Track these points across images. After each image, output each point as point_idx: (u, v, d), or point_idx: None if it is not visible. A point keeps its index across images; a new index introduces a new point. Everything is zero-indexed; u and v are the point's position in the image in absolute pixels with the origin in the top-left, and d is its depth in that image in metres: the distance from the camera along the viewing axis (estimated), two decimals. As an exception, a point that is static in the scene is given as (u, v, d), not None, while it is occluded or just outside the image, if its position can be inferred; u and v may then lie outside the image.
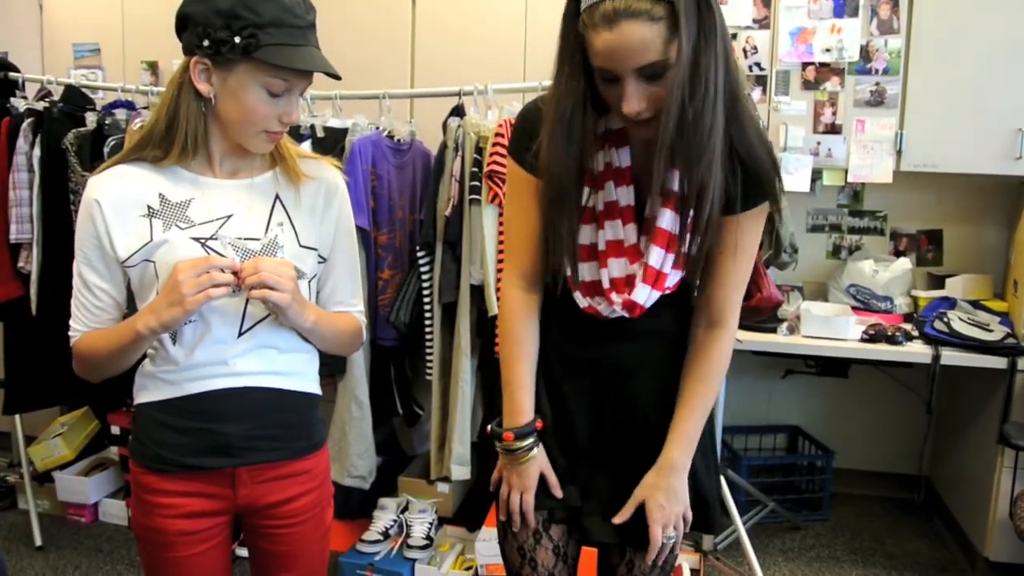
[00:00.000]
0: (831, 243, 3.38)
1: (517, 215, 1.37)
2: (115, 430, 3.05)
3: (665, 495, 1.31)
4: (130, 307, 1.36)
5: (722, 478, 2.63)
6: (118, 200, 1.29)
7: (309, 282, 1.40)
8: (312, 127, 2.68)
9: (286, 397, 1.37)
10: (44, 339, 2.87)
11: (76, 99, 2.93)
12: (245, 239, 1.31)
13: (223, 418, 1.32)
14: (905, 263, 3.09)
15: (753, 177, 1.24)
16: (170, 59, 3.59)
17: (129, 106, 2.92)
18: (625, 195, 1.28)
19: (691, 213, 1.22)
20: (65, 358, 2.85)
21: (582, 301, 1.31)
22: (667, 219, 1.25)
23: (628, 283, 1.28)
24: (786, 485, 3.33)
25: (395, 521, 2.75)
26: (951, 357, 2.67)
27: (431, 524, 2.75)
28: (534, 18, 3.16)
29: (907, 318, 3.03)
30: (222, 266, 1.23)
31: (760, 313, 2.37)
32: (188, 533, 1.34)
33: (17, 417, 3.17)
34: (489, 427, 1.41)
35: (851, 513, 3.31)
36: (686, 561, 2.64)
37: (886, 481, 3.49)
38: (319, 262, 1.42)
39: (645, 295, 1.27)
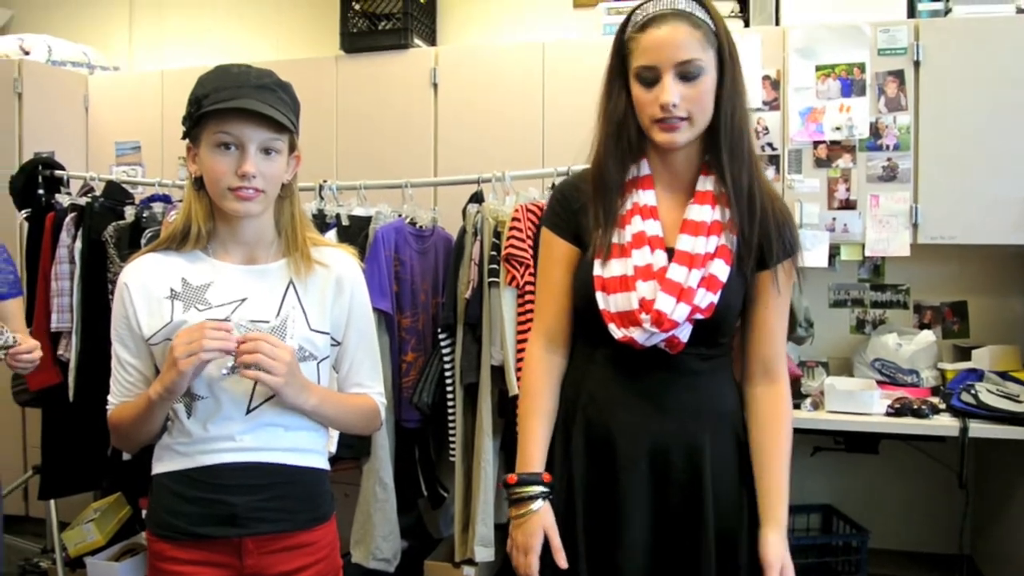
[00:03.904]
0: (854, 318, 3.38)
1: (546, 278, 1.48)
2: (146, 515, 3.09)
3: (787, 551, 1.38)
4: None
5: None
6: (145, 284, 1.42)
7: (319, 363, 1.47)
8: (338, 216, 2.78)
9: (291, 472, 1.44)
10: (80, 426, 2.96)
11: (116, 194, 3.09)
12: (257, 321, 1.40)
13: (230, 490, 1.39)
14: (929, 335, 3.08)
15: (782, 227, 1.38)
16: (206, 154, 3.78)
17: (165, 199, 3.05)
18: (652, 227, 1.38)
19: (731, 235, 1.35)
20: (100, 444, 2.96)
21: (617, 332, 1.35)
22: (688, 243, 1.35)
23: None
24: (821, 567, 3.24)
25: (420, 606, 2.73)
26: (980, 429, 2.63)
27: (456, 609, 2.72)
28: (551, 106, 3.29)
29: (935, 391, 3.00)
30: (217, 334, 1.31)
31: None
32: None
33: (52, 502, 3.23)
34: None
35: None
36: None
37: (926, 562, 3.39)
38: (332, 345, 1.50)
39: (670, 306, 1.31)
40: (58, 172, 3.22)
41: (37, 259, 3.07)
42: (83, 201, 3.03)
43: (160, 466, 1.44)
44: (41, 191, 3.17)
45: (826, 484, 3.45)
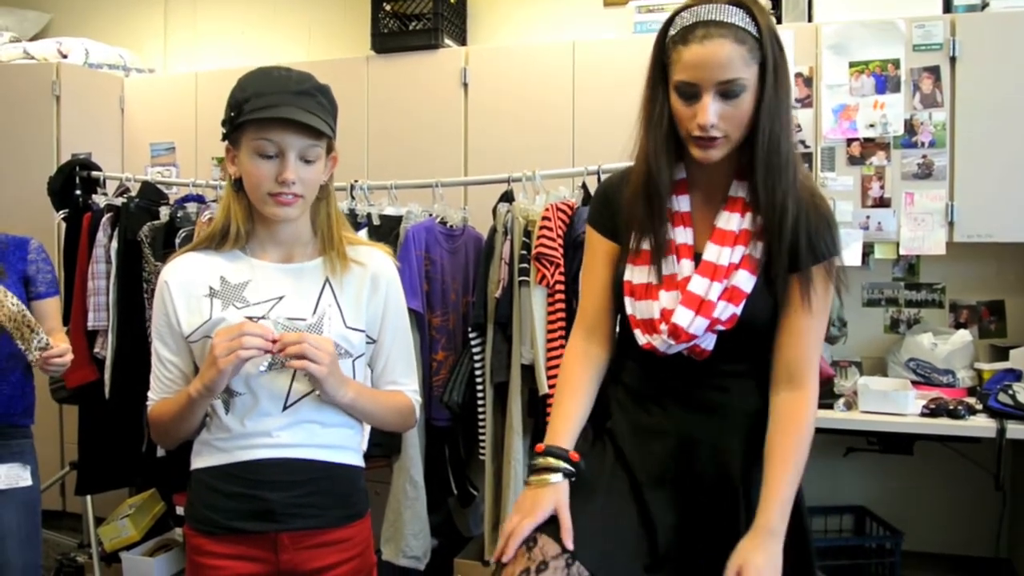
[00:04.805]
0: (888, 317, 3.33)
1: (589, 275, 1.49)
2: (180, 511, 3.13)
3: (764, 559, 1.26)
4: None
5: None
6: (184, 282, 1.45)
7: (355, 361, 1.49)
8: (369, 215, 2.80)
9: (327, 468, 1.46)
10: (116, 422, 3.02)
11: (151, 194, 3.14)
12: (294, 319, 1.43)
13: (267, 485, 1.41)
14: (965, 335, 3.03)
15: (815, 229, 1.32)
16: (239, 154, 3.84)
17: (199, 200, 3.09)
18: (682, 234, 1.36)
19: (758, 243, 1.33)
20: (136, 441, 3.01)
21: (641, 338, 1.35)
22: (713, 252, 1.34)
23: None
24: (854, 568, 3.21)
25: (450, 603, 2.75)
26: (1018, 430, 2.58)
27: (486, 607, 2.73)
28: (581, 106, 3.28)
29: (971, 392, 2.95)
30: (256, 332, 1.34)
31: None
32: None
33: (88, 498, 3.29)
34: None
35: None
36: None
37: (963, 565, 3.33)
38: (368, 342, 1.51)
39: (687, 320, 1.30)
40: (95, 173, 3.28)
41: (74, 258, 3.13)
42: (119, 201, 3.09)
43: (199, 461, 1.47)
44: (78, 192, 3.23)
45: (860, 485, 3.41)
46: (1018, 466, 3.15)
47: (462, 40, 3.78)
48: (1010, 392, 2.70)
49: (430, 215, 2.82)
